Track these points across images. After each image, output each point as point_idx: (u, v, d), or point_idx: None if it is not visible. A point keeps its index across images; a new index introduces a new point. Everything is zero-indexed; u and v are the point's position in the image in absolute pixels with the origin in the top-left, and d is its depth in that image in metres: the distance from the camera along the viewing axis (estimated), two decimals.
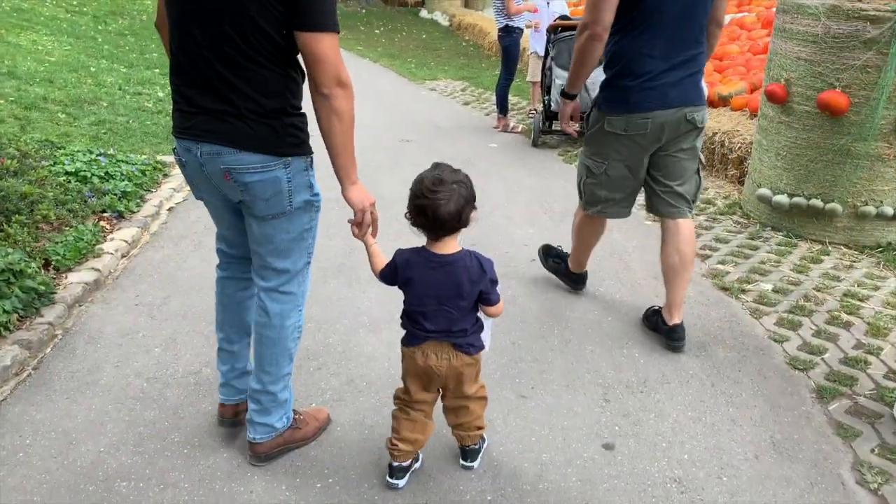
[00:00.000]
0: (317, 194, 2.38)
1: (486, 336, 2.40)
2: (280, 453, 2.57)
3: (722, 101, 6.73)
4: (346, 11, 20.23)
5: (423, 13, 19.75)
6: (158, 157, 5.72)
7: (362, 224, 2.33)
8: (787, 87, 4.52)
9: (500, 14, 7.28)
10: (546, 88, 6.93)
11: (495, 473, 2.53)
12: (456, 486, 2.47)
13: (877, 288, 3.98)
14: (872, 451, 2.69)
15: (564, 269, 3.92)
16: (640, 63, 3.03)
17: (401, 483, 2.44)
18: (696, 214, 5.14)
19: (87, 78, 8.00)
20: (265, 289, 2.43)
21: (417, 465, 2.52)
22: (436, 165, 2.23)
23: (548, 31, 6.84)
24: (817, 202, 4.51)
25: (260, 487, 2.45)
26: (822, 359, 3.28)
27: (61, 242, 3.92)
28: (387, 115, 8.08)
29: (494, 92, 7.87)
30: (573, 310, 3.71)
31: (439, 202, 2.13)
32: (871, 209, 4.42)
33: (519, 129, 7.60)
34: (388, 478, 2.44)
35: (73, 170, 4.82)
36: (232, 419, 2.69)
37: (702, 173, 3.41)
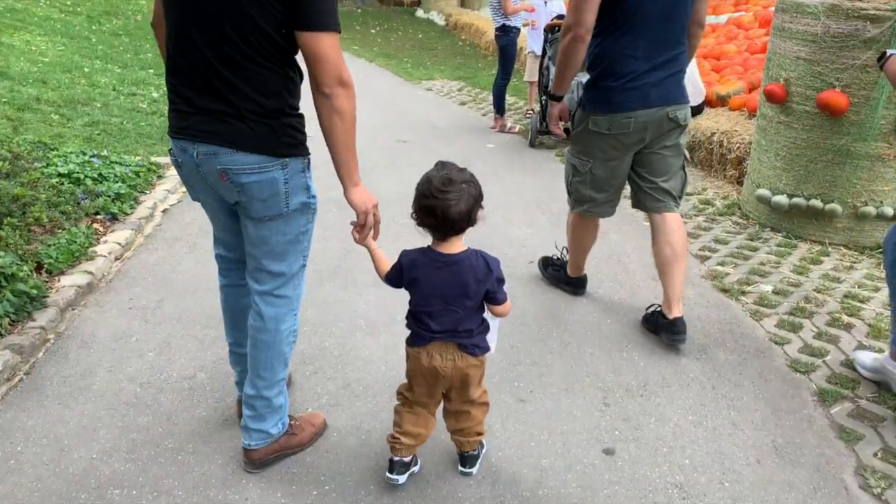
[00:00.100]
0: (314, 196, 2.35)
1: (491, 337, 2.37)
2: (275, 460, 2.52)
3: (720, 101, 6.71)
4: (341, 11, 20.12)
5: (420, 13, 19.72)
6: (153, 159, 5.68)
7: (364, 226, 2.30)
8: (786, 86, 4.49)
9: (497, 13, 7.25)
10: (543, 88, 6.89)
11: (494, 479, 2.49)
12: (454, 492, 2.43)
13: (877, 289, 3.95)
14: (875, 454, 2.66)
15: (564, 276, 3.89)
16: (623, 64, 3.08)
17: (401, 479, 2.41)
18: (695, 215, 5.11)
19: (81, 78, 7.95)
20: (260, 292, 2.40)
21: (416, 468, 2.49)
22: (442, 164, 2.20)
23: (545, 30, 6.80)
24: (817, 203, 4.49)
25: (255, 495, 2.41)
26: (824, 361, 3.25)
27: (54, 245, 3.87)
28: (383, 116, 8.04)
29: (491, 92, 7.83)
30: (572, 312, 3.67)
31: (450, 202, 2.10)
32: (871, 209, 4.40)
33: (516, 130, 7.56)
34: (388, 474, 2.41)
35: (66, 171, 4.77)
36: None
37: (686, 169, 3.46)
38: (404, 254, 2.27)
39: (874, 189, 4.39)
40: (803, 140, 4.48)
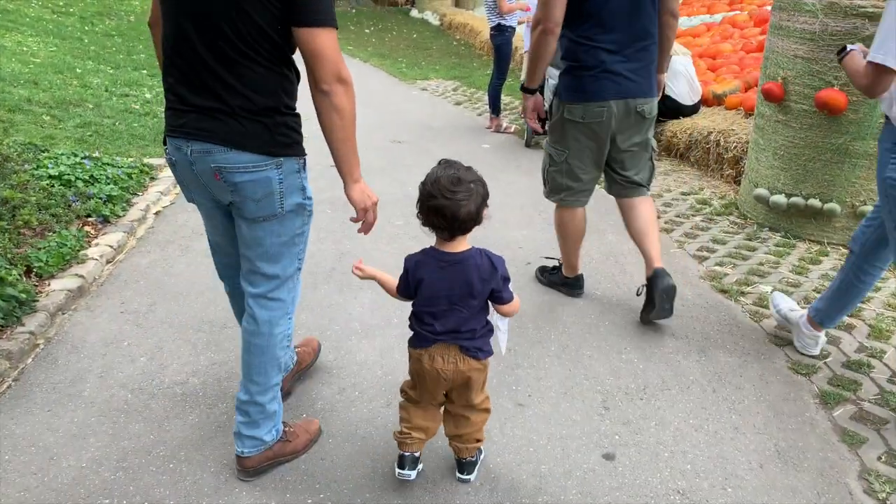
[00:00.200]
0: (309, 198, 2.32)
1: (502, 339, 2.33)
2: (269, 467, 2.47)
3: (716, 100, 6.68)
4: (336, 11, 20.11)
5: (414, 12, 19.66)
6: (145, 160, 5.62)
7: (363, 223, 2.29)
8: (784, 85, 4.45)
9: (492, 13, 7.21)
10: (539, 88, 6.83)
11: (493, 486, 2.44)
12: (452, 499, 2.38)
13: (877, 289, 3.92)
14: (879, 458, 2.62)
15: (560, 279, 3.85)
16: (594, 54, 3.19)
17: (413, 474, 2.38)
18: (692, 215, 5.08)
19: (73, 79, 7.87)
20: (254, 295, 2.36)
21: (421, 465, 2.46)
22: (448, 163, 2.15)
23: None
24: (815, 202, 4.45)
25: (248, 503, 2.35)
26: (825, 363, 3.22)
27: (44, 248, 3.81)
28: (378, 116, 7.99)
29: (486, 92, 7.79)
30: (570, 314, 3.63)
31: (460, 203, 2.06)
32: (869, 209, 4.35)
33: (512, 130, 7.52)
34: (399, 470, 2.37)
35: (57, 173, 4.70)
36: None
37: (655, 159, 3.61)
38: (408, 258, 2.23)
39: (873, 188, 4.35)
40: (801, 139, 4.45)
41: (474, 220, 2.13)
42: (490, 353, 2.30)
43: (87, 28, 11.50)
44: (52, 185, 4.58)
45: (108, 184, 4.83)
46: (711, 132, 6.00)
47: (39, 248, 3.81)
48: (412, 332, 2.30)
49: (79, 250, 3.97)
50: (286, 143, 2.16)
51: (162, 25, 2.13)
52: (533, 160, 6.47)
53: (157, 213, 4.83)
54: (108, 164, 5.15)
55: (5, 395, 2.86)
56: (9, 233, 3.74)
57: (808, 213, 4.53)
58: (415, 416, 2.35)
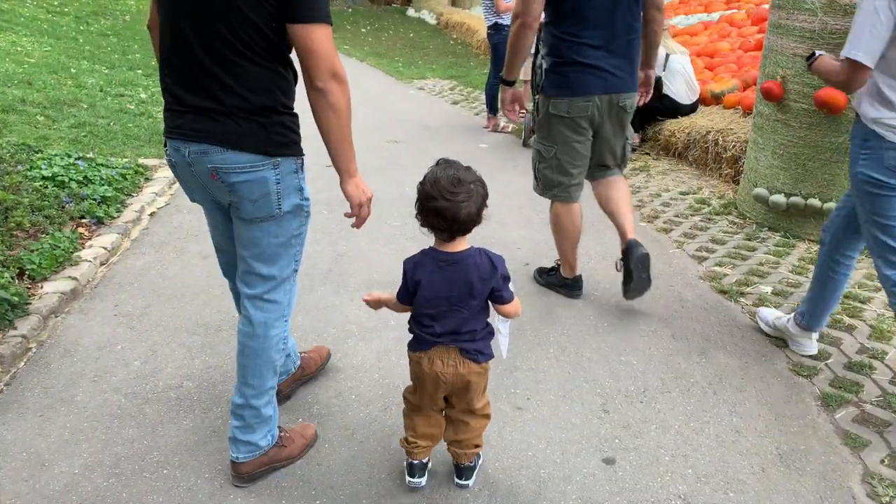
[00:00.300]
0: (307, 199, 2.30)
1: (503, 341, 2.29)
2: (265, 473, 2.44)
3: (714, 99, 6.65)
4: (332, 10, 20.05)
5: (410, 12, 19.62)
6: (140, 161, 5.58)
7: (359, 220, 2.29)
8: (783, 84, 4.42)
9: (489, 12, 7.17)
10: (536, 86, 6.81)
11: (492, 492, 2.41)
12: None
13: (878, 289, 3.89)
14: (882, 461, 2.59)
15: (559, 280, 3.81)
16: (578, 50, 3.24)
17: (423, 481, 2.36)
18: (691, 215, 5.05)
19: (68, 79, 7.82)
20: (249, 296, 2.34)
21: (430, 465, 2.43)
22: (447, 163, 2.12)
23: (539, 28, 6.71)
24: (815, 201, 4.42)
25: None
26: (826, 364, 3.18)
27: (37, 250, 3.77)
28: (374, 116, 7.95)
29: (484, 91, 7.75)
30: (569, 315, 3.59)
31: (461, 204, 2.03)
32: None
33: (509, 129, 7.49)
34: (409, 478, 2.36)
35: (51, 174, 4.66)
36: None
37: (629, 143, 3.69)
38: (406, 261, 2.20)
39: None
40: (801, 138, 4.42)
41: (474, 220, 2.10)
42: (490, 356, 2.26)
43: (82, 28, 11.44)
44: (46, 187, 4.54)
45: (103, 185, 4.79)
46: (710, 131, 5.97)
47: (32, 251, 3.76)
48: (412, 336, 2.26)
49: (72, 252, 3.92)
50: (283, 142, 2.14)
51: (159, 27, 2.13)
52: (531, 160, 6.43)
53: (151, 215, 4.79)
54: (102, 165, 5.11)
55: None
56: (1, 235, 3.70)
57: (807, 213, 4.50)
58: (419, 425, 2.32)
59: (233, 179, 2.11)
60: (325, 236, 4.40)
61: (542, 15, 3.31)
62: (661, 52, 6.40)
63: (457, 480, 2.40)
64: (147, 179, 5.31)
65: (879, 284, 3.91)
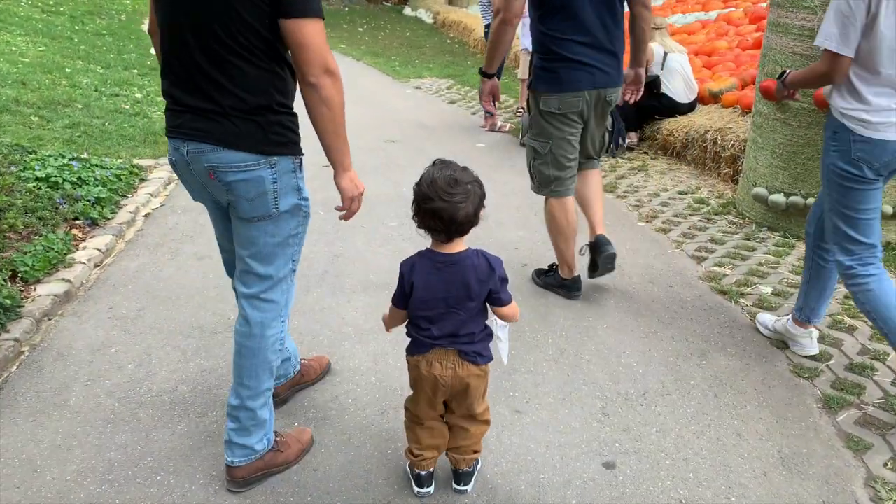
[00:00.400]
0: (305, 199, 2.28)
1: (503, 347, 2.26)
2: (260, 478, 2.40)
3: (713, 98, 6.62)
4: (328, 9, 20.01)
5: (407, 10, 19.59)
6: (135, 161, 5.54)
7: (349, 213, 2.29)
8: None
9: (486, 10, 7.14)
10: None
11: (490, 497, 2.37)
12: None
13: None
14: (885, 465, 2.56)
15: (557, 279, 3.78)
16: (567, 47, 3.29)
17: (431, 490, 2.34)
18: (690, 215, 5.02)
19: (62, 79, 7.77)
20: (246, 295, 2.32)
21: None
22: (444, 164, 2.08)
23: None
24: (815, 201, 4.38)
25: None
26: (828, 365, 3.15)
27: (30, 252, 3.73)
28: (371, 115, 7.91)
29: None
30: (567, 317, 3.56)
31: (458, 205, 1.99)
32: None
33: (507, 129, 7.45)
34: (417, 489, 2.34)
35: (44, 175, 4.62)
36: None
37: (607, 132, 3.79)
38: (403, 262, 2.16)
39: None
40: (800, 137, 4.39)
41: (472, 221, 2.07)
42: (490, 358, 2.23)
43: (77, 27, 11.39)
44: (39, 188, 4.50)
45: (97, 185, 4.75)
46: (708, 130, 5.94)
47: (25, 252, 3.73)
48: (409, 340, 2.23)
49: (66, 254, 3.89)
50: (280, 141, 2.13)
51: (159, 31, 2.13)
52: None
53: (146, 216, 4.75)
54: (96, 166, 5.07)
55: None
56: None
57: (807, 213, 4.45)
58: (423, 437, 2.28)
59: (229, 178, 2.10)
60: (321, 237, 4.36)
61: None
62: (660, 50, 6.38)
63: (455, 486, 2.37)
64: (142, 180, 5.27)
65: None
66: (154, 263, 4.05)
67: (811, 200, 4.39)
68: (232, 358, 2.37)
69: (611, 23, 3.31)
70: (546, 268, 3.93)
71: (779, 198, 4.53)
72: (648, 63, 6.48)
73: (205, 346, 3.23)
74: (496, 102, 3.81)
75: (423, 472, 2.31)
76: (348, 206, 2.27)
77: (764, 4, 8.79)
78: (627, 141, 6.69)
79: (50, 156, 5.02)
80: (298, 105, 2.17)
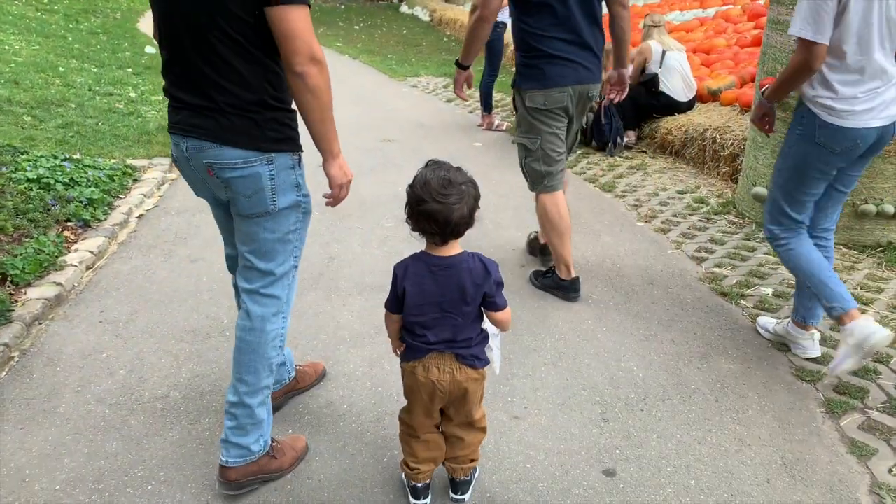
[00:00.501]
0: (305, 195, 2.27)
1: (495, 357, 2.20)
2: (253, 483, 2.35)
3: (711, 96, 6.57)
4: (324, 7, 19.98)
5: (404, 8, 19.52)
6: (128, 161, 5.48)
7: (336, 200, 2.27)
8: None
9: None
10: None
11: None
12: None
13: (880, 290, 3.82)
14: (890, 471, 2.51)
15: (556, 281, 3.73)
16: (550, 44, 3.36)
17: (428, 501, 2.29)
18: (689, 214, 4.98)
19: (56, 78, 7.71)
20: (248, 291, 2.31)
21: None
22: (437, 164, 2.03)
23: None
24: None
25: None
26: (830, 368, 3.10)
27: (20, 255, 3.68)
28: (367, 114, 7.85)
29: (478, 88, 7.66)
30: (566, 319, 3.51)
31: (452, 207, 1.94)
32: (871, 207, 4.26)
33: (504, 127, 7.40)
34: (413, 500, 2.28)
35: (36, 176, 4.56)
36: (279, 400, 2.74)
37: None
38: (397, 265, 2.10)
39: (874, 186, 4.25)
40: None
41: (467, 223, 2.01)
42: (487, 362, 2.18)
43: (71, 26, 11.33)
44: (31, 189, 4.44)
45: (89, 186, 4.70)
46: (707, 129, 5.90)
47: (16, 255, 3.67)
48: (404, 346, 2.17)
49: (57, 256, 3.83)
50: (277, 138, 2.12)
51: (158, 29, 2.13)
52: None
53: (139, 217, 4.69)
54: (89, 166, 5.02)
55: None
56: None
57: None
58: (419, 451, 2.23)
59: (227, 175, 2.10)
60: (316, 239, 4.31)
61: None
62: (658, 48, 6.34)
63: (452, 496, 2.32)
64: (135, 180, 5.22)
65: (881, 286, 3.85)
66: (147, 266, 4.00)
67: None
68: (231, 356, 2.34)
69: (591, 21, 3.39)
70: (544, 269, 3.88)
71: None
72: (647, 61, 6.44)
73: (198, 350, 3.18)
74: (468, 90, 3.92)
75: (420, 484, 2.26)
76: (337, 194, 2.25)
77: (762, 1, 8.74)
78: (626, 140, 6.65)
79: (42, 156, 4.96)
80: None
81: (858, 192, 4.27)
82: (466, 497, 2.32)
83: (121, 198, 4.87)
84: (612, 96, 3.88)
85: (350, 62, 11.94)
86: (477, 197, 2.03)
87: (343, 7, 19.86)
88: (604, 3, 3.48)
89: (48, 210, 4.26)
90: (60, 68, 8.23)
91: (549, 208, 3.63)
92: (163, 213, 4.75)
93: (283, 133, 2.14)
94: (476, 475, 2.38)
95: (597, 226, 4.72)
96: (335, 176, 2.20)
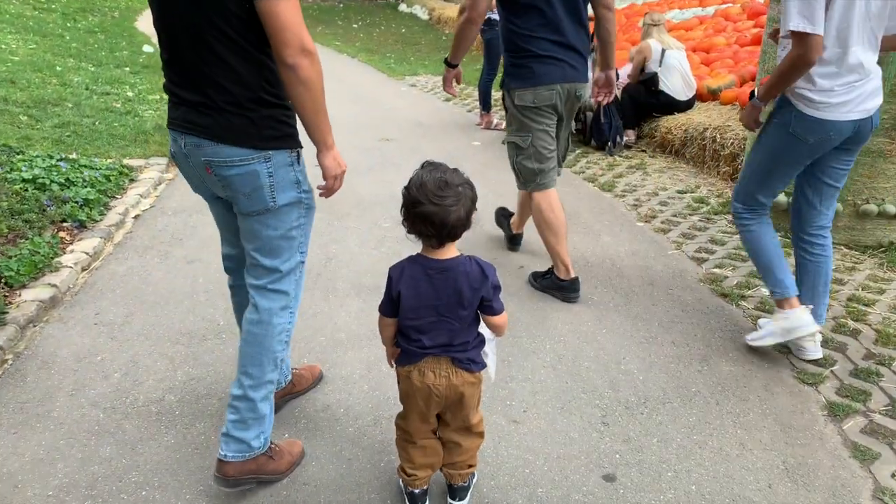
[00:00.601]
0: (306, 191, 2.25)
1: (490, 361, 2.17)
2: (248, 482, 2.31)
3: (711, 95, 6.54)
4: (323, 6, 19.94)
5: (402, 7, 19.48)
6: (125, 161, 5.45)
7: (330, 191, 2.25)
8: None
9: None
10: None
11: None
12: None
13: (882, 291, 3.79)
14: (893, 475, 2.48)
15: (555, 282, 3.70)
16: (538, 44, 3.40)
17: None
18: (689, 214, 4.95)
19: (52, 77, 7.67)
20: (255, 286, 2.32)
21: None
22: (433, 166, 1.99)
23: None
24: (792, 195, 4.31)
25: None
26: (832, 371, 3.08)
27: (15, 256, 3.64)
28: (365, 113, 7.82)
29: (477, 87, 7.63)
30: (566, 321, 3.48)
31: (449, 209, 1.90)
32: (872, 207, 4.24)
33: (503, 126, 7.36)
34: None
35: (31, 177, 4.53)
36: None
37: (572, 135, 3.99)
38: (392, 267, 2.07)
39: (875, 186, 4.23)
40: None
41: (464, 225, 1.98)
42: (483, 365, 2.15)
43: (68, 24, 11.28)
44: (26, 189, 4.41)
45: (85, 187, 4.66)
46: (707, 128, 5.87)
47: (10, 257, 3.64)
48: (399, 351, 2.14)
49: (52, 258, 3.80)
50: (274, 136, 2.11)
51: (156, 28, 2.11)
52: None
53: (136, 217, 4.66)
54: (85, 166, 4.98)
55: None
56: None
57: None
58: (416, 457, 2.19)
59: (225, 173, 2.10)
60: (314, 238, 4.22)
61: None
62: (657, 47, 6.31)
63: (450, 502, 2.28)
64: (132, 181, 5.18)
65: (883, 287, 3.82)
66: (143, 267, 3.97)
67: None
68: (225, 359, 2.33)
69: (577, 22, 3.44)
70: (543, 270, 3.85)
71: (780, 197, 4.45)
72: (646, 60, 6.40)
73: (193, 353, 3.15)
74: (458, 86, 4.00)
75: (417, 491, 2.22)
76: (331, 185, 2.24)
77: (761, 0, 8.71)
78: (625, 139, 6.62)
79: (38, 156, 4.93)
80: None
81: (860, 193, 4.25)
82: (465, 503, 2.29)
83: (117, 198, 4.83)
84: (599, 98, 3.90)
85: (348, 61, 11.91)
86: (474, 199, 1.99)
87: (342, 5, 19.82)
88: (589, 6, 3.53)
89: (43, 211, 4.22)
90: (57, 67, 8.19)
91: (542, 207, 3.63)
92: (159, 214, 4.71)
93: (281, 130, 2.13)
94: (474, 481, 2.35)
95: (596, 226, 4.69)
96: (329, 167, 2.19)
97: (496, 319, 2.09)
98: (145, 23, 13.36)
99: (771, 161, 3.02)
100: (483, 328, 2.14)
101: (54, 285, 3.58)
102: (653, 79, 6.36)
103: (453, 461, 2.22)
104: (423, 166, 2.00)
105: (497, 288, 2.05)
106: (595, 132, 6.56)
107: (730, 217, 4.84)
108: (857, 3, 2.64)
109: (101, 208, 4.56)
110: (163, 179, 5.37)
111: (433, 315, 2.03)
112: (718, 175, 5.68)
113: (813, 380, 3.02)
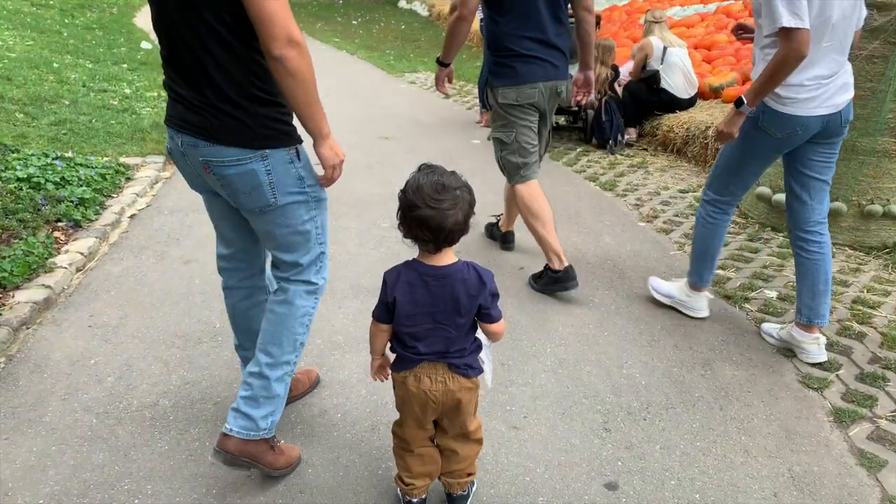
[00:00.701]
0: (311, 185, 2.22)
1: (487, 369, 2.11)
2: (244, 464, 2.27)
3: (713, 93, 6.49)
4: (322, 3, 19.87)
5: (402, 3, 19.41)
6: (121, 160, 5.39)
7: (329, 181, 2.23)
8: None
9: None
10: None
11: None
12: None
13: (887, 293, 3.74)
14: None
15: (550, 275, 3.66)
16: (521, 43, 3.49)
17: None
18: (691, 214, 4.89)
19: (49, 74, 7.61)
20: (280, 277, 2.36)
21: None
22: (430, 169, 1.93)
23: None
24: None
25: None
26: (837, 375, 3.03)
27: (9, 257, 3.59)
28: (364, 111, 7.76)
29: (477, 85, 7.58)
30: (566, 323, 3.43)
31: (446, 213, 1.85)
32: (877, 208, 4.19)
33: None
34: None
35: (26, 176, 4.47)
36: None
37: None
38: (387, 273, 2.02)
39: (881, 186, 4.18)
40: None
41: (462, 229, 1.93)
42: (480, 370, 2.09)
43: (66, 21, 11.22)
44: (21, 188, 4.35)
45: (81, 186, 4.61)
46: (709, 126, 5.82)
47: (4, 257, 3.59)
48: (395, 357, 2.09)
49: (47, 258, 3.75)
50: (269, 135, 2.09)
51: (155, 25, 2.09)
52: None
53: (131, 217, 4.60)
54: (80, 165, 4.93)
55: None
56: None
57: None
58: (413, 465, 2.15)
59: (223, 172, 2.09)
60: None
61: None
62: (659, 44, 6.25)
63: None
64: (128, 179, 5.13)
65: (888, 288, 3.77)
66: (138, 267, 3.92)
67: None
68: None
69: (556, 22, 3.53)
70: (541, 270, 3.80)
71: (782, 197, 4.40)
72: (648, 58, 6.35)
73: (188, 356, 3.10)
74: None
75: (415, 500, 2.18)
76: (330, 175, 2.20)
77: None
78: (626, 137, 6.57)
79: (33, 155, 4.87)
80: None
81: (865, 193, 4.20)
82: None
83: (113, 197, 4.78)
84: (578, 98, 3.92)
85: (348, 57, 11.85)
86: (472, 202, 1.94)
87: (341, 2, 19.74)
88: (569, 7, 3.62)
89: (38, 210, 4.17)
90: (54, 64, 8.13)
91: (525, 198, 3.70)
92: (155, 213, 4.66)
93: (276, 129, 2.10)
94: (473, 489, 2.30)
95: (597, 226, 4.64)
96: (327, 157, 2.15)
97: (494, 327, 2.04)
98: (143, 19, 13.30)
99: (741, 154, 3.07)
100: (478, 333, 2.09)
101: (48, 286, 3.52)
102: (654, 76, 6.31)
103: (452, 469, 2.17)
104: (419, 169, 1.96)
105: (495, 295, 2.00)
106: (596, 130, 6.51)
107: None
108: (832, 1, 2.67)
109: (97, 207, 4.51)
110: (159, 178, 5.32)
111: (429, 322, 1.98)
112: None
113: (818, 384, 2.97)
